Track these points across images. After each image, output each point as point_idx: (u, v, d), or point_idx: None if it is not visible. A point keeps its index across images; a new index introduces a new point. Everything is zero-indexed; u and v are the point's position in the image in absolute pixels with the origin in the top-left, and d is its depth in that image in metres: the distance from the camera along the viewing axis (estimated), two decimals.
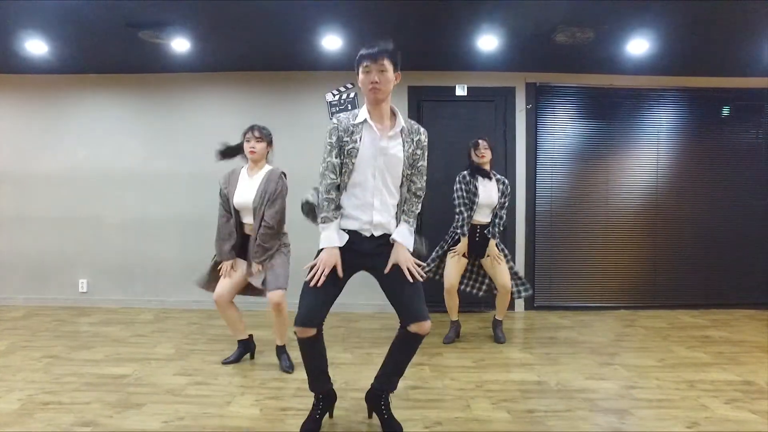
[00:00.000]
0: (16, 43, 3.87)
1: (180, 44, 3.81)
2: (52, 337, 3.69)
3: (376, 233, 2.06)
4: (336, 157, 2.03)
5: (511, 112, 4.67)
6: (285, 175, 3.07)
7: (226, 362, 3.10)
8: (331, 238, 2.01)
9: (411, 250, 2.08)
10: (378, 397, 2.19)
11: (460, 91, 4.65)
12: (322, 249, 2.01)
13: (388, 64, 1.99)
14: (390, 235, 2.08)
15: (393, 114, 2.08)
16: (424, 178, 2.16)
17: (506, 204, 3.64)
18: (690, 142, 4.77)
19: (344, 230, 2.06)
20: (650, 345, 3.56)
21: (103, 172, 4.77)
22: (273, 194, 2.94)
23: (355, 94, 4.63)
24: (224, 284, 3.02)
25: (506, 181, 3.64)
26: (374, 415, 2.23)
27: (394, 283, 2.05)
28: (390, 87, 2.02)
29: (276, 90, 4.71)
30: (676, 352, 3.37)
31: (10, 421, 2.25)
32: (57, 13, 3.31)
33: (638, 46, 3.87)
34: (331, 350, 2.21)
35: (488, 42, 3.84)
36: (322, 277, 1.95)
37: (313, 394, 2.20)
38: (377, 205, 2.03)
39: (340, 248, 2.02)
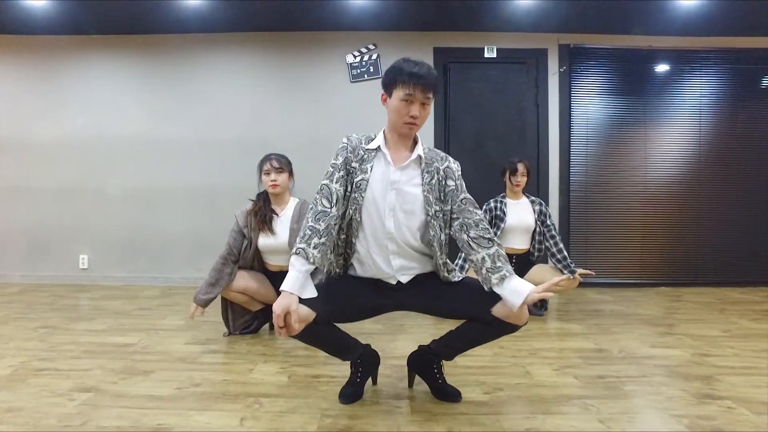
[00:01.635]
0: None
1: None
2: (50, 309, 3.37)
3: (404, 279, 1.67)
4: (337, 183, 1.62)
5: (543, 76, 4.35)
6: None
7: (244, 332, 2.77)
8: (294, 280, 1.50)
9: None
10: (431, 362, 1.85)
11: (489, 53, 4.34)
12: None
13: (433, 97, 1.61)
14: (421, 274, 1.69)
15: (414, 141, 1.70)
16: (478, 211, 1.68)
17: (554, 229, 3.18)
18: (736, 109, 4.44)
19: (363, 278, 1.70)
20: (708, 318, 3.23)
21: (106, 140, 4.46)
22: None
23: (378, 56, 4.32)
24: (242, 277, 2.67)
25: (542, 201, 3.27)
26: (415, 383, 1.90)
27: (440, 289, 1.68)
28: (423, 124, 1.66)
29: (293, 51, 4.40)
30: (739, 324, 3.04)
31: (1, 385, 1.93)
32: None
33: None
34: (360, 322, 1.86)
35: None
36: (280, 330, 1.47)
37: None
38: (393, 248, 1.64)
39: (365, 284, 1.67)
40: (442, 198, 1.67)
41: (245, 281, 2.67)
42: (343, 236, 1.67)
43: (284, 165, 2.68)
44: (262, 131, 4.36)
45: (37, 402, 1.77)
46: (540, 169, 4.34)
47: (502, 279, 1.55)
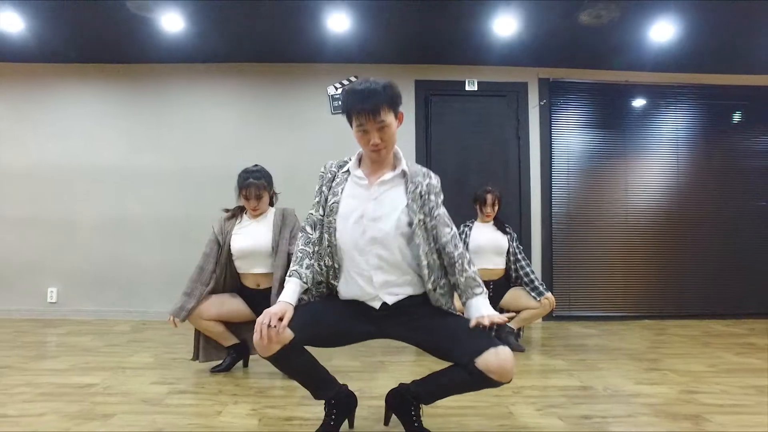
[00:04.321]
0: None
1: (171, 21, 3.48)
2: (8, 347, 3.18)
3: (389, 299, 1.61)
4: (317, 211, 1.68)
5: (523, 109, 4.41)
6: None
7: (215, 370, 2.63)
8: (292, 292, 1.58)
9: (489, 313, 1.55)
10: (409, 403, 1.75)
11: (470, 85, 4.40)
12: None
13: (388, 116, 1.56)
14: (412, 296, 1.63)
15: (395, 157, 1.69)
16: (451, 228, 1.65)
17: (520, 252, 3.22)
18: (712, 142, 4.54)
19: (347, 300, 1.65)
20: (693, 352, 3.19)
21: (79, 169, 4.35)
22: (294, 228, 2.55)
23: None
24: (213, 304, 2.55)
25: (508, 225, 3.32)
26: (392, 420, 1.80)
27: (427, 322, 1.61)
28: (395, 138, 1.62)
29: (274, 83, 4.40)
30: (725, 358, 3.00)
31: None
32: None
33: (662, 31, 3.66)
34: (338, 359, 1.79)
35: (505, 24, 3.59)
36: (263, 328, 1.46)
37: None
38: (374, 262, 1.59)
39: (349, 308, 1.64)
40: (426, 210, 1.64)
41: (216, 308, 2.55)
42: (323, 262, 1.65)
43: (263, 189, 2.60)
44: (241, 162, 4.19)
45: None
46: (522, 200, 4.34)
47: (469, 299, 1.60)
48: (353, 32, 3.71)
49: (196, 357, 2.65)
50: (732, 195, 4.48)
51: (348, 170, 1.69)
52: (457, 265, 1.61)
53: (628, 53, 4.08)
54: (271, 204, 2.74)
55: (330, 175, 1.71)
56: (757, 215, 4.48)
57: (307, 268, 1.62)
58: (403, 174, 1.66)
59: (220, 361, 2.66)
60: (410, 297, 1.64)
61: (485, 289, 1.62)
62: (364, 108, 1.53)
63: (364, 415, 1.96)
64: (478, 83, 4.40)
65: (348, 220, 1.61)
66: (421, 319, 1.62)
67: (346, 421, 1.82)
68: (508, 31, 3.66)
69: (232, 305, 2.59)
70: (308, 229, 1.68)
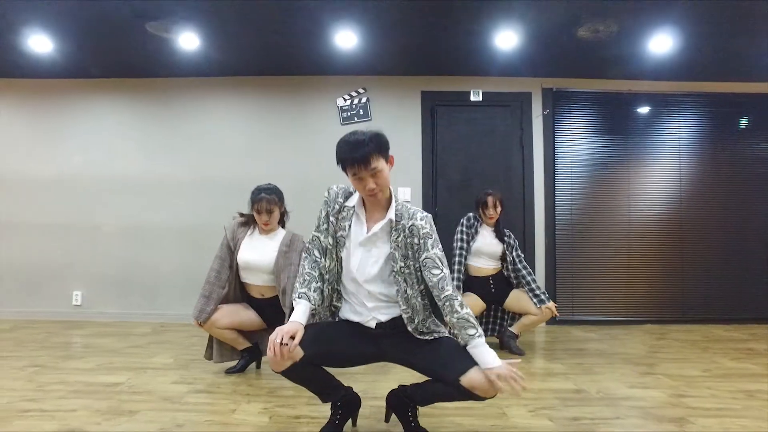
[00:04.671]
0: (20, 41, 3.76)
1: (188, 40, 3.68)
2: (40, 347, 3.40)
3: (382, 317, 1.78)
4: (323, 234, 1.82)
5: (527, 118, 4.52)
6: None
7: (230, 371, 2.81)
8: (302, 313, 1.71)
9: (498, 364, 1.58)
10: (406, 404, 1.91)
11: (475, 96, 4.52)
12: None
13: (378, 162, 1.68)
14: (400, 317, 1.76)
15: (389, 200, 1.78)
16: (441, 270, 1.71)
17: (523, 258, 3.38)
18: (714, 150, 4.59)
19: (350, 321, 1.82)
20: (690, 356, 3.28)
21: (102, 179, 4.58)
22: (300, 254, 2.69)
23: (367, 99, 4.50)
24: (226, 314, 2.73)
25: (511, 233, 3.43)
26: (393, 418, 1.96)
27: (415, 347, 1.75)
28: (388, 181, 1.74)
29: (285, 95, 4.57)
30: (721, 363, 3.08)
31: None
32: (63, 3, 3.19)
33: (661, 43, 3.74)
34: None
35: (506, 39, 3.72)
36: (276, 345, 1.59)
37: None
38: (364, 293, 1.77)
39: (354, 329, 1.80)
40: (410, 255, 1.75)
41: (229, 318, 2.73)
42: (329, 286, 1.82)
43: (274, 204, 2.75)
44: (254, 172, 4.47)
45: None
46: (526, 207, 4.45)
47: (466, 343, 1.64)
48: (361, 46, 3.86)
49: (209, 357, 2.83)
50: (734, 202, 4.54)
51: (354, 207, 1.79)
52: (445, 307, 1.68)
53: (629, 63, 4.17)
54: (283, 225, 2.90)
55: (337, 207, 1.80)
56: (759, 221, 4.53)
57: (314, 291, 1.76)
58: (390, 222, 1.75)
59: (235, 363, 2.84)
60: (396, 319, 1.79)
61: (480, 331, 1.66)
62: (356, 158, 1.66)
63: (366, 414, 2.12)
64: (483, 93, 4.52)
65: (350, 258, 1.77)
66: (410, 342, 1.76)
67: (350, 420, 1.98)
68: (512, 43, 3.77)
69: (245, 316, 2.77)
70: (316, 253, 1.81)
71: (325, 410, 2.01)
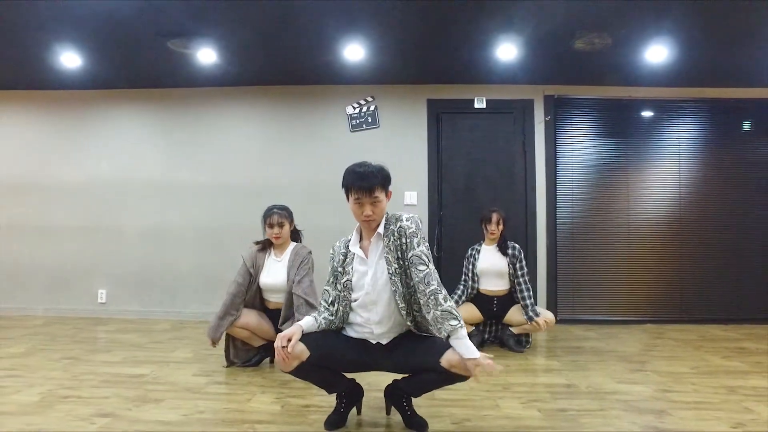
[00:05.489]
0: (51, 57, 4.03)
1: (206, 55, 3.92)
2: (71, 342, 3.68)
3: (383, 341, 2.00)
4: (334, 289, 2.06)
5: (530, 125, 4.68)
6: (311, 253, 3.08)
7: (246, 364, 3.04)
8: (302, 321, 2.01)
9: (476, 356, 1.76)
10: (400, 396, 2.12)
11: (479, 103, 4.69)
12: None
13: (381, 193, 1.92)
14: (398, 337, 2.00)
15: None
16: (426, 266, 1.88)
17: (524, 275, 3.47)
18: (712, 154, 4.70)
19: (353, 337, 2.04)
20: (682, 354, 3.42)
21: (125, 183, 4.85)
22: (302, 264, 2.95)
23: (375, 107, 4.70)
24: (246, 315, 2.99)
25: (515, 245, 3.55)
26: (393, 411, 2.18)
27: (400, 350, 1.98)
28: (384, 212, 1.98)
29: (297, 103, 4.79)
30: (710, 361, 3.23)
31: (31, 411, 2.23)
32: (91, 24, 3.44)
33: (657, 53, 3.87)
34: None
35: (506, 51, 3.88)
36: (279, 350, 1.86)
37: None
38: (375, 319, 1.97)
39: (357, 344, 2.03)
40: (400, 255, 1.95)
41: (246, 318, 2.98)
42: (337, 320, 2.06)
43: (285, 218, 3.03)
44: (267, 177, 4.73)
45: (63, 426, 2.05)
46: (528, 211, 4.61)
47: (449, 334, 1.81)
48: (369, 58, 4.05)
49: (230, 364, 3.05)
50: (733, 205, 4.64)
51: (355, 253, 2.00)
52: (430, 301, 1.84)
53: (628, 70, 4.29)
54: (295, 239, 3.15)
55: (341, 257, 2.05)
56: (757, 224, 4.63)
57: (324, 319, 2.02)
58: (378, 236, 1.97)
59: (250, 357, 3.08)
60: (399, 334, 2.02)
61: (462, 323, 1.81)
62: (362, 186, 1.89)
63: (369, 404, 2.32)
64: (486, 101, 4.68)
65: (359, 291, 1.98)
66: (400, 348, 1.99)
67: (354, 408, 2.19)
68: (513, 54, 3.93)
69: (262, 324, 3.02)
70: (324, 304, 2.06)
71: (332, 401, 2.22)
